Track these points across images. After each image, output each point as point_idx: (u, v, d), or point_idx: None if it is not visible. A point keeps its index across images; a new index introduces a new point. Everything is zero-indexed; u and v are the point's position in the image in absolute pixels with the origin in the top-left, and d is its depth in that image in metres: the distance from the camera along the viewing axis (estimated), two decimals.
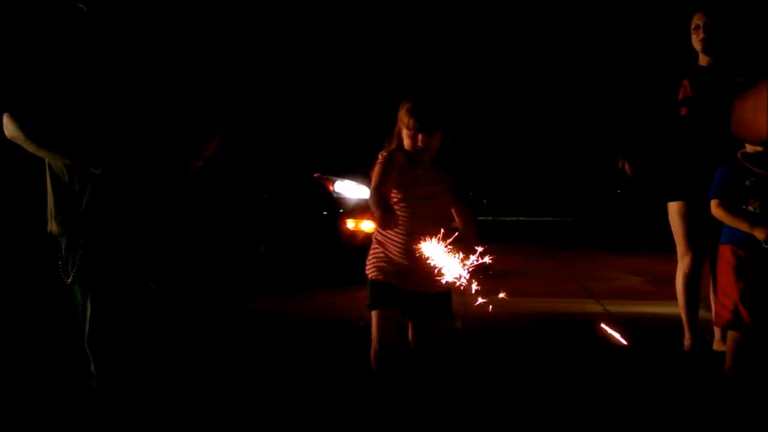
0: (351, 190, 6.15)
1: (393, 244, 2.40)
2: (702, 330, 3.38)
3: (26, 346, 3.46)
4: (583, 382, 3.05)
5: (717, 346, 3.30)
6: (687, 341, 3.39)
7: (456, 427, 2.48)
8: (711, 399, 2.77)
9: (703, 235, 3.28)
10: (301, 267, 5.88)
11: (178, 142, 2.00)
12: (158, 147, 1.94)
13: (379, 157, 2.41)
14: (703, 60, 3.40)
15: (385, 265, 2.42)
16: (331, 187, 6.11)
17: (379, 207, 2.27)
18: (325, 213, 6.01)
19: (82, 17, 1.90)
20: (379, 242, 2.45)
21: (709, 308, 3.38)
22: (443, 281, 2.17)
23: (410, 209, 2.38)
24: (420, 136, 2.37)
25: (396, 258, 2.40)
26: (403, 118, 2.39)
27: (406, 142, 2.40)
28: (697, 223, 3.27)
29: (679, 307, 3.41)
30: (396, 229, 2.37)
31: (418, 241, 2.24)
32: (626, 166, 3.52)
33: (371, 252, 2.49)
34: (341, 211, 6.00)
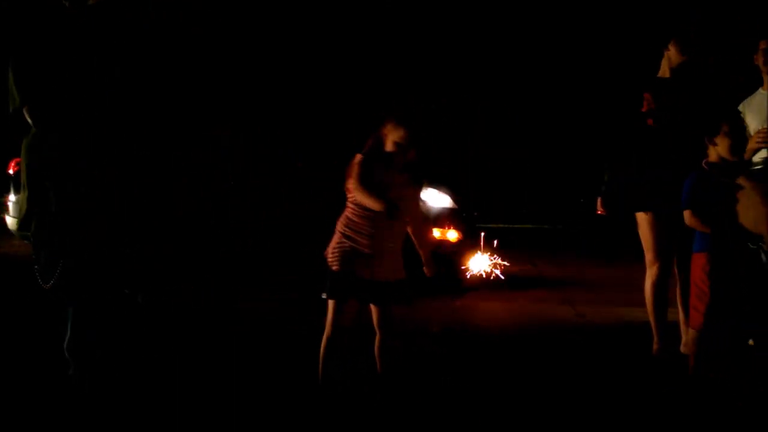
0: (436, 198, 6.17)
1: (363, 237, 2.60)
2: (670, 334, 3.55)
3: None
4: (552, 382, 3.18)
5: (684, 349, 3.48)
6: (655, 345, 3.54)
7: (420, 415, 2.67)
8: (679, 399, 2.94)
9: (671, 244, 3.46)
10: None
11: (178, 142, 2.06)
12: (158, 147, 1.98)
13: (358, 156, 2.64)
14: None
15: (350, 257, 2.62)
16: None
17: (380, 199, 2.51)
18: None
19: (82, 16, 1.92)
20: (346, 236, 2.64)
21: (677, 312, 3.55)
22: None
23: None
24: (407, 147, 2.62)
25: (364, 250, 2.60)
26: (395, 129, 2.63)
27: (390, 148, 2.63)
28: (665, 232, 3.42)
29: (648, 313, 3.56)
30: (365, 223, 2.60)
31: (383, 235, 2.58)
32: (598, 203, 3.64)
33: (336, 244, 2.67)
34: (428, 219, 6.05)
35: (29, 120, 1.90)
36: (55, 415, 2.22)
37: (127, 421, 2.01)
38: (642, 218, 3.49)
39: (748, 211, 2.82)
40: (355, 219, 2.64)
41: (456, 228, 6.07)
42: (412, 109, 2.81)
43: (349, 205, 2.67)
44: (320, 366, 2.69)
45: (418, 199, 2.78)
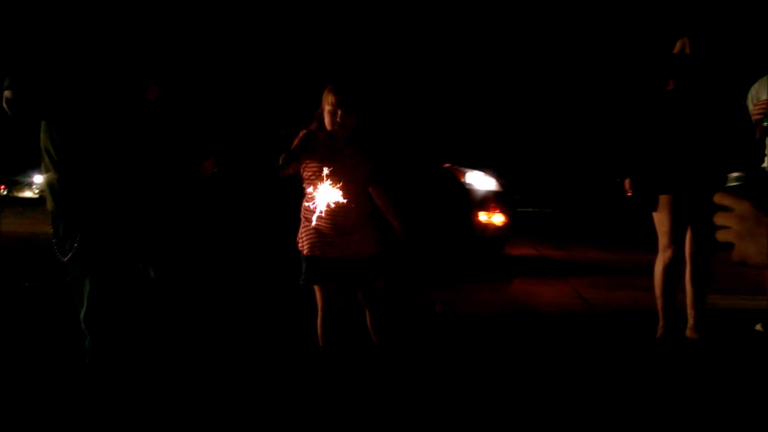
0: (482, 181, 6.12)
1: (320, 219, 2.56)
2: (676, 318, 3.51)
3: (26, 320, 3.63)
4: (556, 367, 3.12)
5: (690, 333, 3.48)
6: (660, 329, 3.49)
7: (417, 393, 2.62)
8: (683, 383, 2.87)
9: (686, 229, 3.44)
10: (433, 259, 5.85)
11: (191, 143, 2.03)
12: (172, 149, 1.96)
13: (300, 132, 2.60)
14: None
15: (315, 239, 2.60)
16: (462, 178, 6.05)
17: (284, 165, 2.49)
18: (456, 204, 5.96)
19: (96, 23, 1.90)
20: (307, 219, 2.61)
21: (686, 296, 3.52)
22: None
23: (328, 179, 2.50)
24: (339, 112, 2.56)
25: (325, 230, 2.58)
26: (326, 96, 2.60)
27: (327, 119, 2.60)
28: (683, 216, 3.39)
29: (655, 296, 3.51)
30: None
31: (340, 212, 2.53)
32: (626, 184, 3.60)
33: (301, 229, 2.66)
34: (473, 202, 5.97)
35: (5, 106, 1.87)
36: (73, 387, 2.26)
37: (144, 393, 2.04)
38: (663, 201, 3.43)
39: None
40: (309, 201, 2.63)
41: (502, 212, 5.97)
42: (345, 76, 2.69)
43: (305, 189, 2.65)
44: (320, 345, 2.72)
45: (370, 169, 2.68)
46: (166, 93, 1.93)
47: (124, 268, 1.92)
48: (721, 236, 0.96)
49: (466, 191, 5.95)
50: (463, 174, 6.05)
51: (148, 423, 2.07)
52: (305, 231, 2.64)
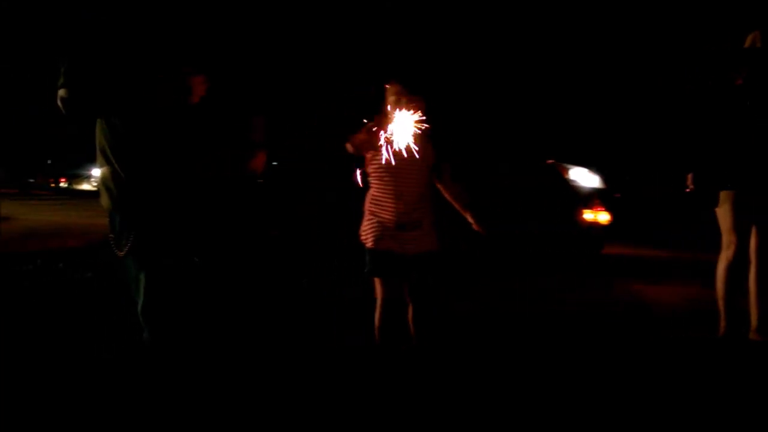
0: (586, 178, 6.02)
1: (385, 211, 2.62)
2: (739, 319, 3.39)
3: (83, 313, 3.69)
4: (614, 363, 3.09)
5: (753, 335, 3.35)
6: (722, 328, 3.40)
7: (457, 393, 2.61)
8: (743, 386, 2.79)
9: (750, 226, 3.33)
10: (537, 253, 5.79)
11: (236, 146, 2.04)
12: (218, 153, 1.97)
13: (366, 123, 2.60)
14: None
15: (379, 232, 2.63)
16: (566, 175, 5.96)
17: (353, 149, 2.52)
18: (560, 201, 5.87)
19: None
20: (372, 212, 2.67)
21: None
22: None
23: (394, 171, 2.58)
24: (403, 100, 2.56)
25: (388, 224, 2.61)
26: (390, 88, 2.62)
27: (391, 111, 2.53)
28: (747, 213, 3.30)
29: (717, 294, 3.42)
30: (386, 196, 2.62)
31: (406, 204, 2.58)
32: (688, 179, 3.49)
33: (365, 222, 2.70)
34: (578, 199, 5.87)
35: (59, 104, 1.89)
36: (131, 378, 2.32)
37: (200, 383, 2.07)
38: (725, 197, 3.36)
39: None
40: (376, 194, 2.67)
41: (607, 209, 5.86)
42: (408, 68, 2.79)
43: (370, 181, 2.69)
44: (377, 337, 2.73)
45: (430, 158, 2.66)
46: (216, 88, 1.93)
47: (179, 261, 1.93)
48: None
49: (570, 188, 5.86)
50: (567, 170, 5.95)
51: (205, 413, 2.11)
52: (369, 224, 2.68)
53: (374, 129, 2.53)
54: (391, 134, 2.40)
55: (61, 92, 1.87)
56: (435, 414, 2.41)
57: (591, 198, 5.84)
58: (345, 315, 3.69)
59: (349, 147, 2.57)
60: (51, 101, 1.89)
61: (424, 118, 2.43)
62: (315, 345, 3.24)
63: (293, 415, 2.24)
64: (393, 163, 2.46)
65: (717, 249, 3.46)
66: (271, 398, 2.25)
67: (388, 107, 2.60)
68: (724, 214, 3.37)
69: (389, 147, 2.44)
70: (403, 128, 2.39)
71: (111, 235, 1.94)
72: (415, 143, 2.43)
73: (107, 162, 1.92)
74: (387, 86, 2.65)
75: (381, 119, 2.59)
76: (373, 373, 2.73)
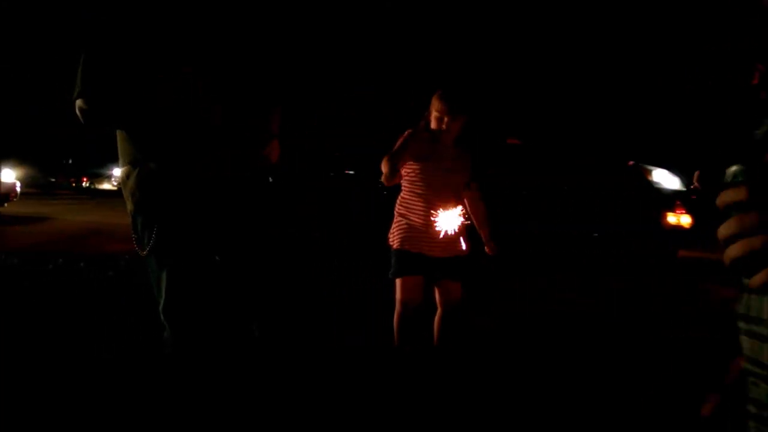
0: (668, 180, 5.89)
1: (415, 214, 2.63)
2: None
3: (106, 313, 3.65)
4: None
5: None
6: None
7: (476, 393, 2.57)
8: None
9: None
10: (616, 253, 5.67)
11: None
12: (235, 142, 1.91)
13: (406, 132, 2.65)
14: None
15: (408, 235, 2.64)
16: (648, 177, 5.83)
17: (389, 165, 2.52)
18: (643, 202, 5.75)
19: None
20: (401, 215, 2.68)
21: None
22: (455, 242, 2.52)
23: (429, 179, 2.61)
24: (445, 119, 2.59)
25: (418, 226, 2.62)
26: (434, 102, 2.62)
27: (433, 124, 2.63)
28: None
29: None
30: (417, 200, 2.63)
31: (436, 210, 2.59)
32: (695, 177, 3.40)
33: (394, 224, 2.71)
34: (660, 201, 5.75)
35: (78, 114, 1.83)
36: (153, 376, 2.30)
37: (222, 380, 2.06)
38: None
39: None
40: (407, 197, 2.68)
41: (689, 212, 5.73)
42: (453, 85, 2.74)
43: (403, 183, 2.69)
44: (395, 339, 2.72)
45: (466, 169, 2.69)
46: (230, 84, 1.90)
47: (200, 260, 1.90)
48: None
49: (654, 190, 5.74)
50: (650, 172, 5.83)
51: (227, 411, 2.12)
52: (398, 226, 2.69)
53: (416, 136, 2.60)
54: (440, 218, 2.53)
55: (79, 102, 1.82)
56: (438, 415, 2.35)
57: (672, 200, 5.72)
58: (345, 315, 3.63)
59: (385, 167, 2.54)
60: (52, 101, 1.81)
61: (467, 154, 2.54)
62: (315, 345, 3.21)
63: (293, 415, 2.17)
64: (430, 171, 2.57)
65: None
66: (272, 398, 2.18)
67: (431, 117, 2.63)
68: None
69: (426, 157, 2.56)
70: (448, 220, 2.54)
71: (134, 235, 1.91)
72: (454, 157, 2.58)
73: (128, 162, 1.88)
74: (434, 97, 2.64)
75: (418, 128, 2.66)
76: (381, 374, 2.69)
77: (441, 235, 2.57)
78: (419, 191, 2.63)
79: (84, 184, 28.16)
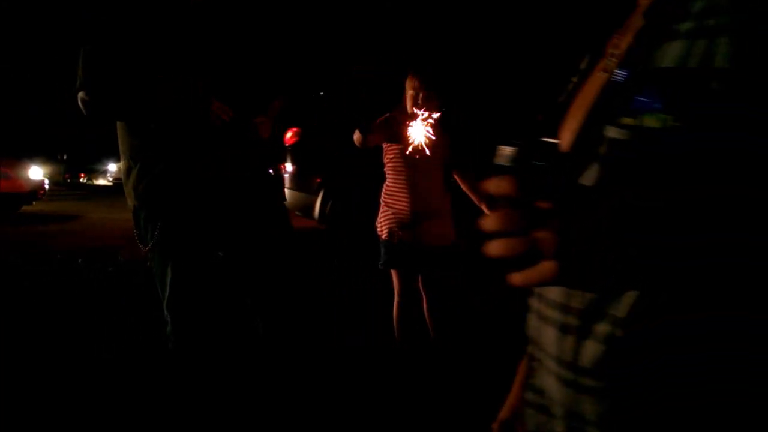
0: None
1: (399, 201, 2.60)
2: None
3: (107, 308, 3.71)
4: None
5: None
6: None
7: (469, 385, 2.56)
8: None
9: None
10: None
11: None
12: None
13: (384, 115, 2.62)
14: None
15: (394, 224, 2.61)
16: None
17: (361, 138, 2.53)
18: None
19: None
20: (387, 203, 2.65)
21: None
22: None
23: (408, 160, 2.55)
24: (421, 95, 2.54)
25: (403, 215, 2.59)
26: (408, 82, 2.59)
27: (408, 104, 2.57)
28: None
29: None
30: (401, 186, 2.60)
31: (420, 195, 2.55)
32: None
33: (380, 215, 2.68)
34: None
35: (81, 106, 1.84)
36: (156, 372, 2.34)
37: (224, 377, 2.07)
38: None
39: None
40: (391, 185, 2.66)
41: None
42: (425, 61, 2.58)
43: (386, 172, 2.68)
44: (395, 329, 2.73)
45: (445, 149, 2.62)
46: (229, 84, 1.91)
47: (203, 255, 1.91)
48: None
49: None
50: None
51: (228, 406, 2.11)
52: (384, 215, 2.66)
53: (392, 120, 2.56)
54: (409, 131, 2.43)
55: (81, 94, 1.82)
56: (438, 415, 2.35)
57: None
58: (345, 315, 3.63)
59: (356, 137, 2.53)
60: (52, 100, 1.81)
61: (437, 115, 2.43)
62: (316, 344, 3.22)
63: (293, 416, 2.18)
64: (409, 155, 2.48)
65: None
66: (274, 396, 2.19)
67: (406, 98, 2.59)
68: None
69: (406, 141, 2.45)
70: (418, 128, 2.44)
71: (135, 231, 1.91)
72: (430, 138, 2.45)
73: (129, 158, 1.89)
74: (408, 76, 2.61)
75: (399, 110, 2.61)
76: (381, 374, 2.69)
77: (415, 143, 2.47)
78: (401, 177, 2.62)
79: (81, 179, 28.08)
